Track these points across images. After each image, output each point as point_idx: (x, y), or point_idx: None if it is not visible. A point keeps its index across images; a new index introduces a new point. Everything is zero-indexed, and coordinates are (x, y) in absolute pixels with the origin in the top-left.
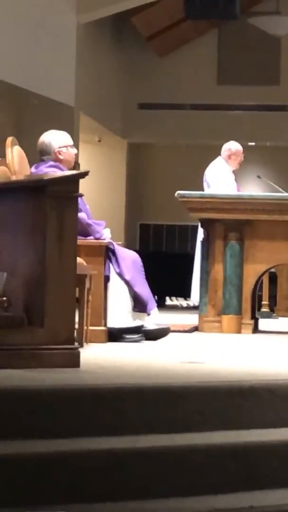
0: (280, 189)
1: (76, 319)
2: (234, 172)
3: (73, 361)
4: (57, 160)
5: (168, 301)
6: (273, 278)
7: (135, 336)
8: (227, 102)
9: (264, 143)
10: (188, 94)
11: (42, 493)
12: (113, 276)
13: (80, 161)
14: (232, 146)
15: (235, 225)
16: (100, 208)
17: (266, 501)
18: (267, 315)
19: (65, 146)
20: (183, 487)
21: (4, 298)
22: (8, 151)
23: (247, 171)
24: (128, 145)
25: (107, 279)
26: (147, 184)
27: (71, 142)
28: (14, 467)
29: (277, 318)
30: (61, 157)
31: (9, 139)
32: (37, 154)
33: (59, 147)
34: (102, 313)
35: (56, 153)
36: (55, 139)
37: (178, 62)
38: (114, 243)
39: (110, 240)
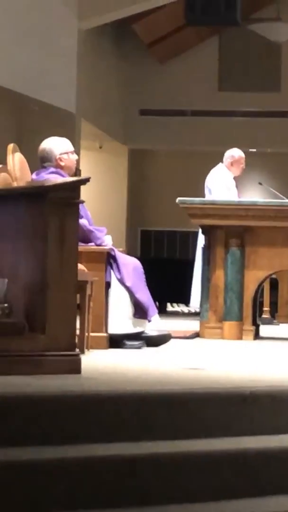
0: (281, 196)
1: (77, 326)
2: (235, 178)
3: (74, 367)
4: (58, 166)
5: (169, 307)
6: (274, 284)
7: (136, 343)
8: (228, 109)
9: (265, 149)
10: (189, 100)
11: (43, 499)
12: (114, 283)
13: (81, 168)
14: (235, 153)
15: (236, 232)
16: (101, 214)
17: (268, 507)
18: (268, 321)
19: (66, 153)
20: (184, 494)
21: (5, 305)
22: (9, 157)
23: (248, 177)
24: (129, 151)
25: (108, 285)
26: (148, 190)
27: (72, 148)
28: (16, 473)
29: (278, 324)
30: (62, 163)
31: (10, 146)
32: (38, 161)
33: (60, 154)
34: (103, 320)
35: (57, 160)
36: (56, 146)
37: (179, 69)
38: (115, 250)
39: (111, 247)
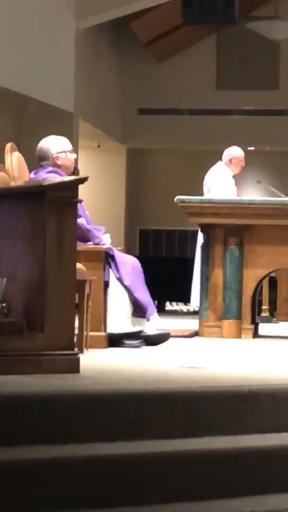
0: (280, 194)
1: (76, 325)
2: (234, 177)
3: (73, 366)
4: (55, 165)
5: (168, 306)
6: (273, 283)
7: (135, 342)
8: (226, 107)
9: (264, 147)
10: (187, 99)
11: (42, 498)
12: (113, 282)
13: (79, 167)
14: (234, 151)
15: (235, 230)
16: (99, 214)
17: (268, 505)
18: (267, 320)
19: (63, 152)
20: (184, 492)
21: (4, 304)
22: (7, 157)
23: (246, 176)
24: (128, 150)
25: (106, 284)
26: (146, 189)
27: (70, 147)
28: (15, 473)
29: (277, 322)
30: (59, 162)
31: (8, 145)
32: (36, 160)
33: (57, 153)
34: (102, 319)
35: (54, 159)
36: (53, 144)
37: (177, 67)
38: (114, 249)
39: (110, 246)
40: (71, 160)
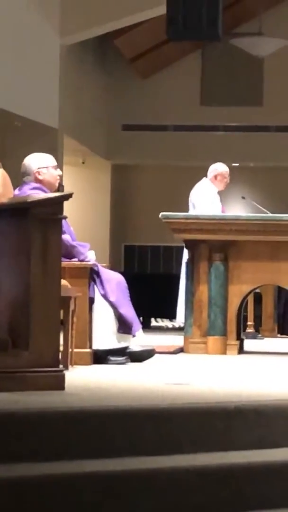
0: (264, 210)
1: (61, 342)
2: (218, 193)
3: (58, 383)
4: (37, 180)
5: (153, 323)
6: (258, 299)
7: (120, 358)
8: (210, 123)
9: (248, 163)
10: (172, 115)
11: None
12: (98, 298)
13: (64, 183)
14: (219, 168)
15: (219, 246)
16: (84, 230)
17: None
18: (252, 336)
19: (45, 167)
20: (170, 510)
21: None
22: None
23: (231, 191)
24: (112, 166)
25: (91, 301)
26: (131, 206)
27: (53, 163)
28: (1, 491)
29: (263, 338)
30: (40, 177)
31: None
32: (21, 177)
33: (38, 168)
34: (87, 335)
35: (35, 174)
36: (35, 160)
37: (162, 84)
38: (99, 265)
39: (95, 262)
40: (54, 175)
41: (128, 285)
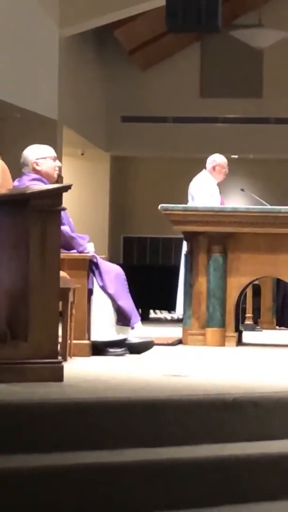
0: (263, 202)
1: (60, 333)
2: (217, 185)
3: (57, 375)
4: (35, 171)
5: (152, 314)
6: (256, 291)
7: (118, 350)
8: (210, 115)
9: (247, 155)
10: (171, 107)
11: (25, 507)
12: (97, 290)
13: (63, 175)
14: (217, 159)
15: (218, 238)
16: (83, 222)
17: None
18: (251, 328)
19: (43, 158)
20: (168, 501)
21: None
22: None
23: (230, 183)
24: (111, 158)
25: (90, 292)
26: (130, 197)
27: (52, 154)
28: None
29: (261, 330)
30: (38, 168)
31: None
32: (20, 168)
33: (36, 159)
34: (85, 327)
35: (32, 164)
36: (33, 151)
37: (161, 75)
38: (98, 257)
39: (94, 254)
40: (52, 166)
41: (127, 277)
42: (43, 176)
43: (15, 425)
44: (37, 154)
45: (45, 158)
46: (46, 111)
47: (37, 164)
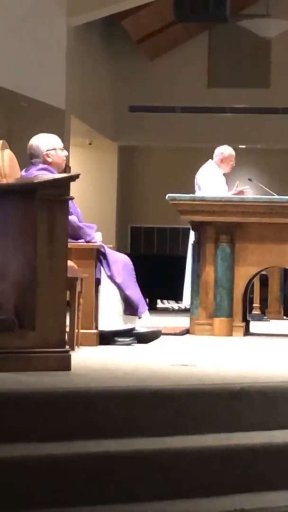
0: (271, 192)
1: (67, 322)
2: (225, 175)
3: (64, 364)
4: (46, 162)
5: (160, 304)
6: (264, 281)
7: (126, 339)
8: (217, 105)
9: (255, 145)
10: (179, 96)
11: (33, 496)
12: (104, 279)
13: (70, 164)
14: (225, 150)
15: (226, 228)
16: (91, 211)
17: (257, 503)
18: (258, 318)
19: (53, 149)
20: (174, 490)
21: None
22: None
23: (237, 173)
24: (119, 148)
25: (98, 282)
26: (138, 187)
27: (60, 144)
28: (5, 471)
29: (268, 320)
30: (49, 159)
31: (0, 143)
32: (27, 157)
33: (47, 150)
34: (93, 316)
35: (44, 156)
36: (43, 142)
37: (169, 65)
38: (105, 246)
39: (101, 243)
40: (61, 157)
41: (134, 266)
42: (53, 166)
43: (22, 414)
44: (48, 145)
45: (55, 149)
46: (54, 100)
47: (48, 156)
